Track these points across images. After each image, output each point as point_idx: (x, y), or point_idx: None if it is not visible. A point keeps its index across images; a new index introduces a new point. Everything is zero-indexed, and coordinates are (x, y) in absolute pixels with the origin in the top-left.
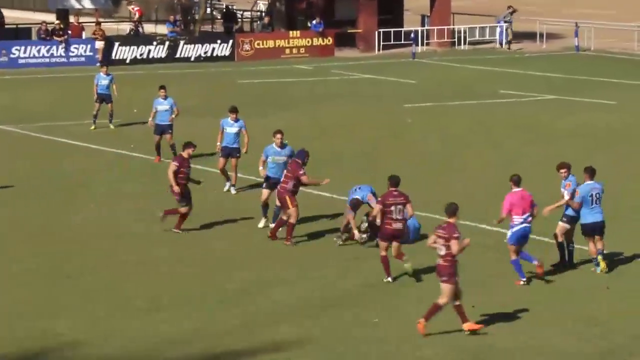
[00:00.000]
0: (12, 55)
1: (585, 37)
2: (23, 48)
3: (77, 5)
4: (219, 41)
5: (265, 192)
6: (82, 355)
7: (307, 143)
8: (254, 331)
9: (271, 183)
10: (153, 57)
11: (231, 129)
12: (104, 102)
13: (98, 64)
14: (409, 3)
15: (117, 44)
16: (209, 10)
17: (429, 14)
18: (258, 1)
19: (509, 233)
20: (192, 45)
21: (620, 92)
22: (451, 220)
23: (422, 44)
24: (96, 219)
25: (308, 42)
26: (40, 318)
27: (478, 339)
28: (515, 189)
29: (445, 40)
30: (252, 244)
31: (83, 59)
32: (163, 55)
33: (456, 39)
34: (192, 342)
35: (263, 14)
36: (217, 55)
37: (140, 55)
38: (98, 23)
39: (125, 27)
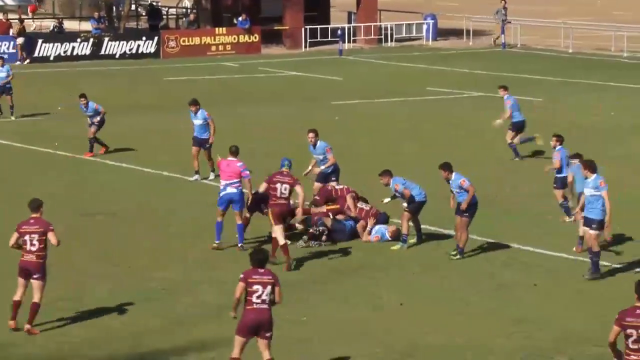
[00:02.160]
0: None
1: (512, 33)
2: None
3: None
4: (144, 38)
5: None
6: (6, 356)
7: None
8: (178, 330)
9: None
10: (77, 54)
11: (196, 120)
12: (3, 94)
13: (18, 62)
14: (335, 0)
15: (40, 40)
16: (133, 7)
17: (355, 11)
18: None
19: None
20: (117, 42)
21: (545, 88)
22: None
23: (349, 41)
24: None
25: (234, 39)
26: None
27: (406, 336)
28: None
29: (372, 37)
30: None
31: (5, 55)
32: (87, 52)
33: (383, 36)
34: (116, 341)
35: (189, 10)
36: (142, 52)
37: (64, 52)
38: (20, 20)
39: (46, 23)
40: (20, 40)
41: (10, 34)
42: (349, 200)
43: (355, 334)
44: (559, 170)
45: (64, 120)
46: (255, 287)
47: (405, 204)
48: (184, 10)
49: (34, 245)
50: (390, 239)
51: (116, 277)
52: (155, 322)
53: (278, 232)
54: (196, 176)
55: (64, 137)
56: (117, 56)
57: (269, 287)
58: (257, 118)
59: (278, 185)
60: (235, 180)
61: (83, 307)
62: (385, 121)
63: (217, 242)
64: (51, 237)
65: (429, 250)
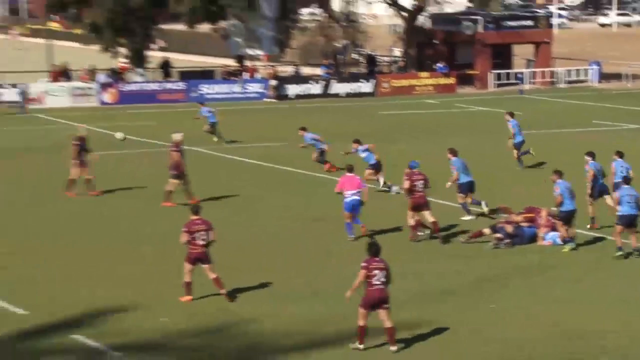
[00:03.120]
0: (200, 91)
1: None
2: (209, 86)
3: (251, 52)
4: (363, 80)
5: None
6: (254, 331)
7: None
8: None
9: None
10: (311, 93)
11: (362, 154)
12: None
13: (265, 99)
14: (517, 50)
15: (283, 82)
16: (355, 55)
17: (533, 58)
18: (393, 48)
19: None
20: (342, 84)
21: None
22: None
23: (528, 83)
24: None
25: (435, 81)
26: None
27: (576, 323)
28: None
29: (547, 79)
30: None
31: (256, 94)
32: (319, 91)
33: (556, 79)
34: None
35: (399, 58)
36: (361, 92)
37: (301, 91)
38: (272, 66)
39: (288, 69)
40: (273, 82)
41: (257, 77)
42: (543, 213)
43: (534, 321)
44: None
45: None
46: (374, 272)
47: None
48: (395, 58)
49: (202, 239)
50: (561, 243)
51: (315, 270)
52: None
53: (427, 215)
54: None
55: (302, 159)
56: (341, 95)
57: (384, 271)
58: (453, 145)
59: (417, 183)
60: (357, 190)
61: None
62: (561, 148)
63: (351, 237)
64: (211, 234)
65: (593, 252)
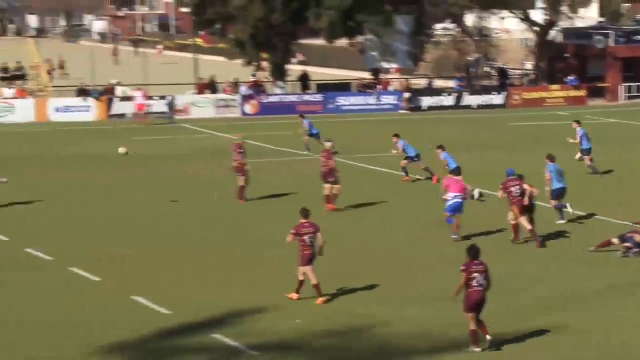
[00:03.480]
0: (337, 103)
1: None
2: (345, 98)
3: (386, 65)
4: (494, 93)
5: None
6: (385, 334)
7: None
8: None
9: None
10: (443, 105)
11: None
12: (313, 137)
13: (401, 111)
14: None
15: (417, 95)
16: (487, 68)
17: None
18: (525, 61)
19: None
20: (474, 96)
21: None
22: None
23: None
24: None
25: (566, 93)
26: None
27: None
28: None
29: None
30: None
31: (390, 106)
32: (451, 103)
33: None
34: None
35: (530, 71)
36: (492, 104)
37: (434, 103)
38: (406, 79)
39: (421, 82)
40: (406, 94)
41: (391, 89)
42: None
43: None
44: None
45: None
46: (474, 275)
47: None
48: (527, 71)
49: (311, 242)
50: None
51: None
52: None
53: (523, 221)
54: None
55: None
56: (473, 107)
57: (484, 274)
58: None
59: (512, 189)
60: (461, 193)
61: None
62: None
63: (454, 237)
64: (319, 237)
65: None
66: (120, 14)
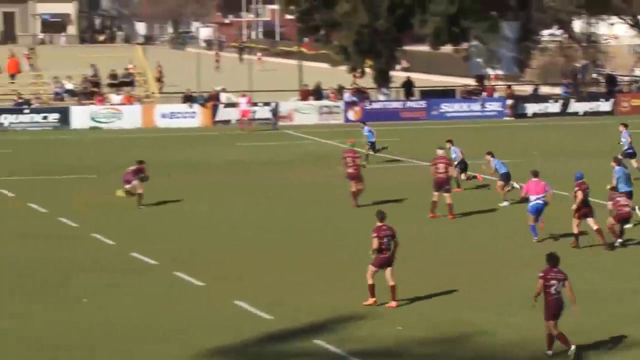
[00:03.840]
0: (441, 110)
1: None
2: (449, 104)
3: (492, 72)
4: (602, 100)
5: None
6: (487, 342)
7: None
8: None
9: None
10: (549, 112)
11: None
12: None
13: (505, 118)
14: None
15: (522, 102)
16: (594, 75)
17: None
18: (635, 68)
19: None
20: (580, 103)
21: None
22: None
23: None
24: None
25: None
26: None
27: None
28: None
29: None
30: None
31: (495, 113)
32: (557, 110)
33: None
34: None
35: (639, 78)
36: (600, 110)
37: (539, 110)
38: (509, 86)
39: (527, 88)
40: (509, 101)
41: (495, 96)
42: None
43: None
44: None
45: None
46: (552, 282)
47: None
48: (636, 77)
49: (388, 243)
50: None
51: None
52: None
53: (591, 222)
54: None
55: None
56: (580, 114)
57: (562, 282)
58: None
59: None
60: (542, 195)
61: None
62: None
63: (535, 238)
64: (396, 240)
65: None
66: (226, 21)
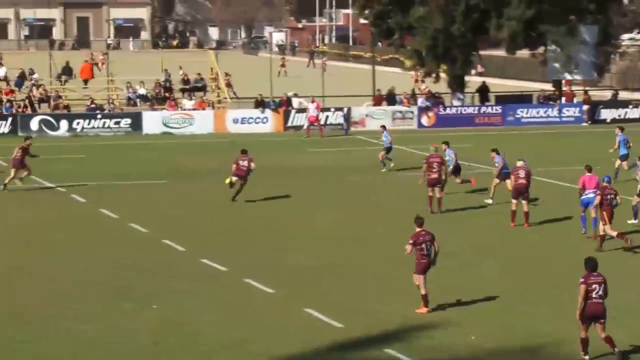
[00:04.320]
0: (517, 116)
1: None
2: (526, 110)
3: (569, 77)
4: None
5: None
6: (564, 353)
7: None
8: None
9: None
10: (629, 117)
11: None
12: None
13: (583, 123)
14: None
15: (600, 107)
16: None
17: None
18: None
19: None
20: None
21: None
22: None
23: None
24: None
25: None
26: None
27: None
28: None
29: None
30: None
31: (572, 119)
32: (637, 116)
33: None
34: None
35: None
36: None
37: (618, 116)
38: (585, 91)
39: (605, 93)
40: (585, 107)
41: (574, 101)
42: None
43: None
44: None
45: None
46: (593, 286)
47: None
48: None
49: (429, 250)
50: None
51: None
52: None
53: (608, 229)
54: None
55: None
56: None
57: (602, 285)
58: None
59: (609, 197)
60: (594, 190)
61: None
62: None
63: (583, 231)
64: (436, 245)
65: None
66: (299, 25)
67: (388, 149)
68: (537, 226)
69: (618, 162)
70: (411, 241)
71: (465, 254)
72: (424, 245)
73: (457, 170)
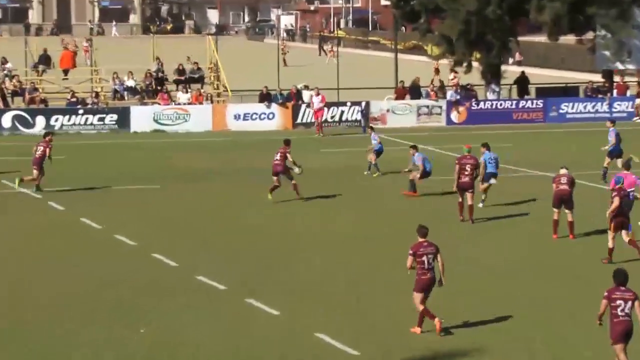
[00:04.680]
0: (560, 111)
1: None
2: (571, 104)
3: (621, 66)
4: None
5: None
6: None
7: None
8: None
9: None
10: None
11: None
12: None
13: (635, 119)
14: None
15: None
16: None
17: None
18: None
19: None
20: None
21: None
22: None
23: None
24: None
25: None
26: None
27: None
28: None
29: None
30: None
31: (625, 114)
32: None
33: None
34: None
35: None
36: None
37: None
38: (639, 83)
39: None
40: (638, 101)
41: (627, 94)
42: None
43: None
44: None
45: None
46: (618, 302)
47: None
48: None
49: (430, 264)
50: None
51: None
52: None
53: (623, 234)
54: None
55: None
56: None
57: (629, 302)
58: None
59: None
60: (632, 189)
61: None
62: None
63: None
64: (440, 259)
65: None
66: (311, 8)
67: (378, 152)
68: (581, 238)
69: (607, 160)
70: (411, 252)
71: (500, 269)
72: (424, 259)
73: (426, 175)
